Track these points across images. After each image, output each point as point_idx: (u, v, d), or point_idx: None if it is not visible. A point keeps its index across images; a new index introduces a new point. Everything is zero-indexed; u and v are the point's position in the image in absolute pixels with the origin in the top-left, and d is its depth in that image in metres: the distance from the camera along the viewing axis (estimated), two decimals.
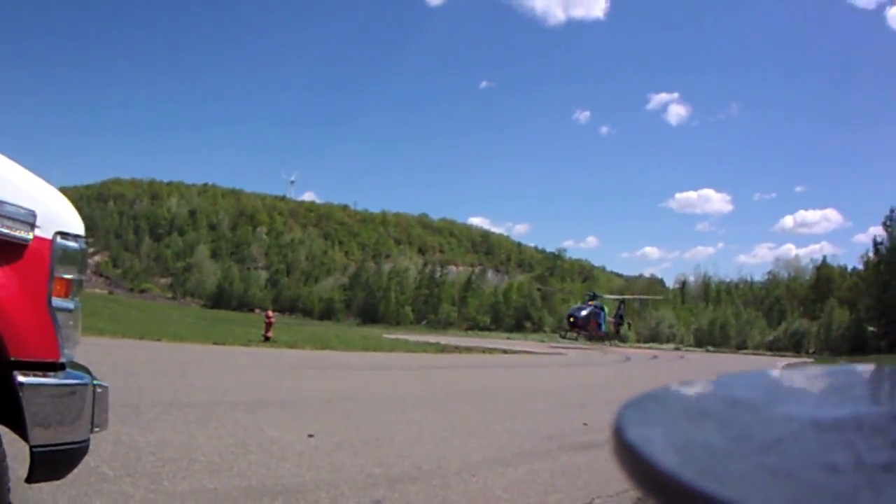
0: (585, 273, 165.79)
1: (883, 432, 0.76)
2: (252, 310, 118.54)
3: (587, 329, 69.19)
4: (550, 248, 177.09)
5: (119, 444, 6.83)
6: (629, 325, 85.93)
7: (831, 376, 1.00)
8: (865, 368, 1.07)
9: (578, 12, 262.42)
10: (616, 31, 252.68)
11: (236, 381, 14.84)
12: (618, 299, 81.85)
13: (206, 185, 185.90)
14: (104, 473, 5.85)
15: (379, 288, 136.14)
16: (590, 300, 72.13)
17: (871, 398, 0.91)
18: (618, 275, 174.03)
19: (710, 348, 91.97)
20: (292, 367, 19.78)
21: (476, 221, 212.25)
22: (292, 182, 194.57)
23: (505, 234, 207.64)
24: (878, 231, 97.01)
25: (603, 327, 71.24)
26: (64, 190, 3.92)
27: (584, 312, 68.39)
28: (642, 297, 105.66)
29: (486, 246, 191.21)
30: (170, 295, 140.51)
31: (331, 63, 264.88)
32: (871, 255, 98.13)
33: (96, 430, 3.59)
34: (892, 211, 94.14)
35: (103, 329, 24.33)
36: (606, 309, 72.61)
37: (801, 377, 1.04)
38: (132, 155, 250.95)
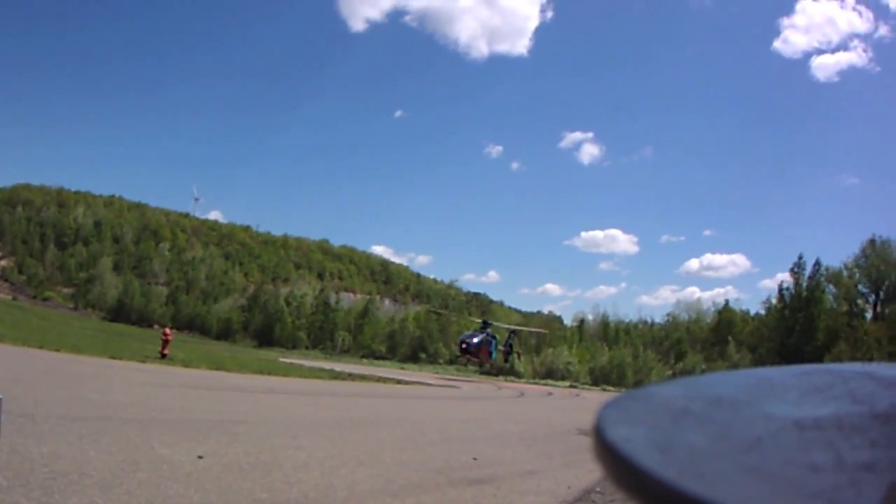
0: (483, 307, 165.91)
1: (863, 431, 0.78)
2: (151, 325, 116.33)
3: (478, 356, 69.66)
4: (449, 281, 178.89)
5: (14, 454, 6.92)
6: (518, 354, 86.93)
7: (812, 376, 1.02)
8: (845, 368, 1.09)
9: (502, 47, 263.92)
10: (536, 67, 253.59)
11: (130, 397, 14.79)
12: (509, 329, 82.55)
13: (112, 196, 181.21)
14: None
15: (276, 311, 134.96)
16: (482, 328, 72.80)
17: (852, 397, 0.92)
18: (516, 310, 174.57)
19: (607, 387, 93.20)
20: (186, 386, 19.73)
21: (379, 250, 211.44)
22: (196, 200, 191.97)
23: (406, 264, 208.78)
24: (785, 277, 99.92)
25: (493, 356, 71.94)
26: None
27: (475, 340, 68.72)
28: (531, 329, 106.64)
29: (385, 275, 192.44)
30: (71, 305, 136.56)
31: (246, 81, 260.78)
32: (773, 300, 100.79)
33: None
34: (800, 258, 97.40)
35: (4, 335, 24.27)
36: (498, 337, 73.35)
37: (781, 377, 1.04)
38: (43, 161, 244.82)
